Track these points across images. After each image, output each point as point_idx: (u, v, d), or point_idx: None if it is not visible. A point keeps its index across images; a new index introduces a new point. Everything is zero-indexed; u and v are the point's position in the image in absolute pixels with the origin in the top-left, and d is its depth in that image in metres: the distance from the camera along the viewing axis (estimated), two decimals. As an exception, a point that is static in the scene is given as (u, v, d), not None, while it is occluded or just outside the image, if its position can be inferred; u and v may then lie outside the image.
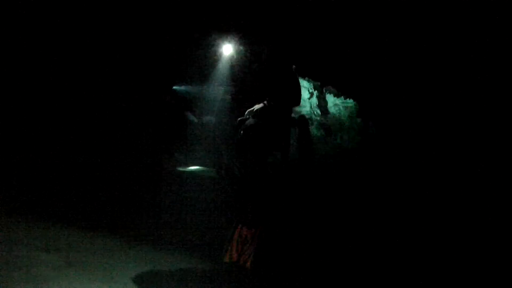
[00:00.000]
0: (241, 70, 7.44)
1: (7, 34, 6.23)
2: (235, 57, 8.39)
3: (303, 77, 9.75)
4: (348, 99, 10.39)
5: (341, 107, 10.59)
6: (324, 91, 10.78)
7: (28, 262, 2.90)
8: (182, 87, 10.97)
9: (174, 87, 10.60)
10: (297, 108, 8.35)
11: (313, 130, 10.18)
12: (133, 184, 6.46)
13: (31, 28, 6.40)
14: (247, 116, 3.40)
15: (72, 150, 6.68)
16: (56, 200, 4.84)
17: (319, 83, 10.64)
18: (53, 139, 6.60)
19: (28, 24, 6.34)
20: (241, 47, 8.00)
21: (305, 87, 10.35)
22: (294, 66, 3.53)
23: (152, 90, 8.75)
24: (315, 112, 10.61)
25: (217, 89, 9.93)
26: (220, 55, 8.87)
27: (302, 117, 4.51)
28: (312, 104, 10.62)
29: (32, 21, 6.36)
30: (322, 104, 10.80)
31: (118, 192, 5.75)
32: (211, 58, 9.05)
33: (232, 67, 8.48)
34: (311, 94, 10.66)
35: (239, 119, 3.44)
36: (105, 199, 5.33)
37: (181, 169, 9.67)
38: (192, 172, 9.71)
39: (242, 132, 3.39)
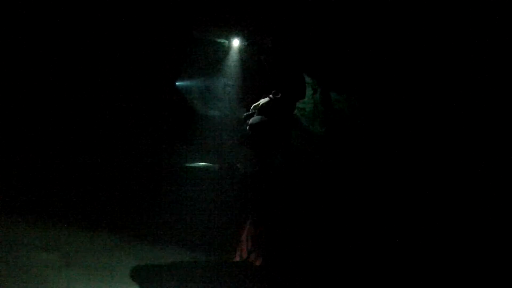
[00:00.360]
0: (247, 64, 7.44)
1: (7, 34, 6.23)
2: (240, 51, 8.36)
3: (307, 73, 9.72)
4: (351, 96, 10.35)
5: (344, 104, 10.56)
6: (327, 87, 10.74)
7: (28, 262, 2.90)
8: (185, 83, 10.92)
9: (177, 84, 10.56)
10: (300, 105, 8.36)
11: (316, 127, 10.17)
12: (133, 184, 6.46)
13: (31, 28, 6.40)
14: (253, 111, 3.41)
15: (72, 150, 6.68)
16: (56, 200, 4.84)
17: (323, 80, 10.59)
18: (53, 139, 6.59)
19: (28, 24, 6.34)
20: (246, 42, 7.95)
21: (309, 84, 10.32)
22: (297, 62, 3.54)
23: (153, 89, 8.72)
24: (318, 109, 10.59)
25: (222, 84, 9.91)
26: (225, 49, 8.81)
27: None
28: (315, 100, 10.61)
29: (32, 21, 6.36)
30: (326, 100, 10.77)
31: (118, 192, 5.75)
32: (215, 53, 9.00)
33: (237, 61, 8.47)
34: (315, 91, 10.63)
35: (245, 114, 3.45)
36: (105, 199, 5.33)
37: (189, 165, 9.64)
38: (200, 168, 9.67)
39: (247, 128, 3.41)
